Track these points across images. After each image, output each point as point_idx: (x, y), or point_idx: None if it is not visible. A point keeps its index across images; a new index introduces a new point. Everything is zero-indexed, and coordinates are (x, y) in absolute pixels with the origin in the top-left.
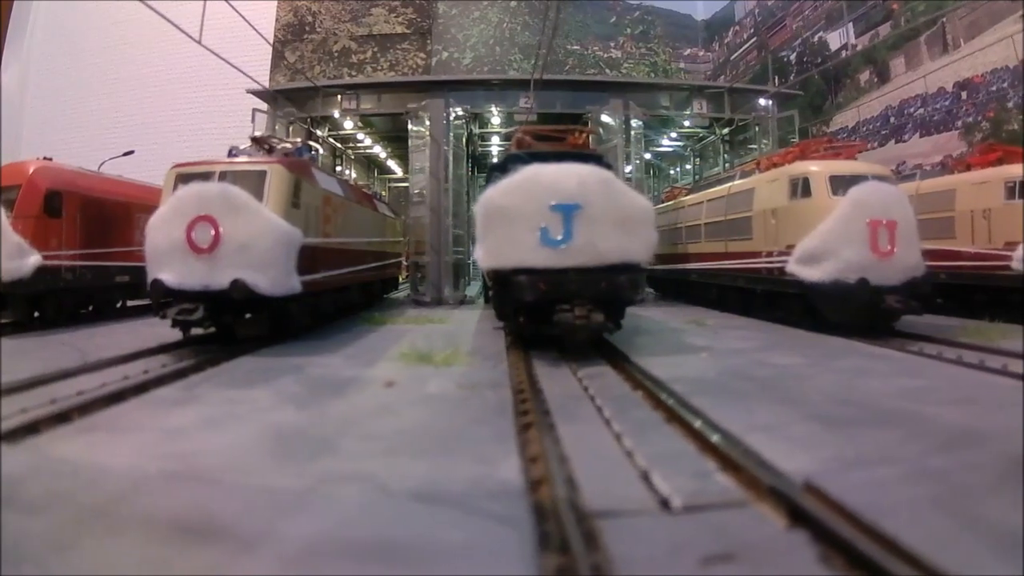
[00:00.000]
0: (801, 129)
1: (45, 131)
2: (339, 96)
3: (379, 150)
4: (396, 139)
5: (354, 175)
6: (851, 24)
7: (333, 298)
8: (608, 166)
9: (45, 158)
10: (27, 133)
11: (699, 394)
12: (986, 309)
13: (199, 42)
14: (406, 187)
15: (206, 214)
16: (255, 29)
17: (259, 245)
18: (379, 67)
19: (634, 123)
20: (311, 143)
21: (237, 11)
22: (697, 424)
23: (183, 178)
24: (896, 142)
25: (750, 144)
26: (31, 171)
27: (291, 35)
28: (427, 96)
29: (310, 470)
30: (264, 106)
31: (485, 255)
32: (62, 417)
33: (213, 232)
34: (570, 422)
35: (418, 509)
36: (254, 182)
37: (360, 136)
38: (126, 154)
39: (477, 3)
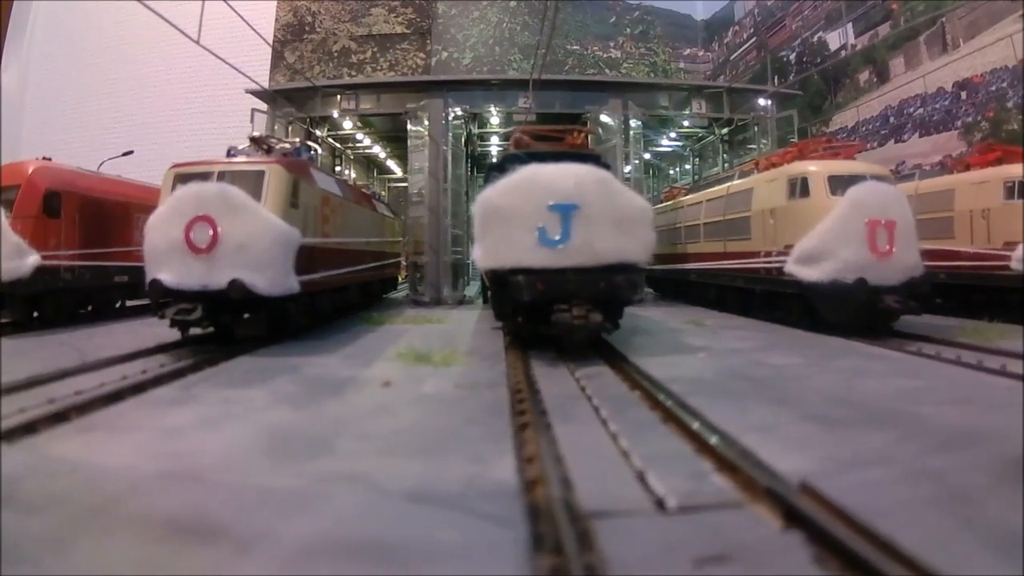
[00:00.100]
0: (800, 129)
1: (45, 131)
2: (338, 96)
3: (378, 150)
4: (395, 139)
5: (353, 175)
6: (850, 24)
7: (331, 298)
8: (606, 166)
9: (44, 158)
10: (27, 133)
11: (696, 394)
12: (985, 309)
13: (197, 42)
14: (405, 187)
15: (204, 214)
16: (254, 29)
17: (257, 245)
18: (379, 67)
19: (633, 123)
20: (310, 143)
21: (236, 11)
22: (694, 425)
23: (181, 178)
24: (895, 142)
25: (749, 144)
26: (30, 171)
27: (291, 35)
28: (426, 96)
29: (305, 470)
30: (263, 106)
31: (483, 255)
32: (60, 417)
33: (211, 232)
34: (567, 422)
35: (412, 509)
36: (252, 182)
37: (359, 136)
38: (125, 154)
39: (477, 3)
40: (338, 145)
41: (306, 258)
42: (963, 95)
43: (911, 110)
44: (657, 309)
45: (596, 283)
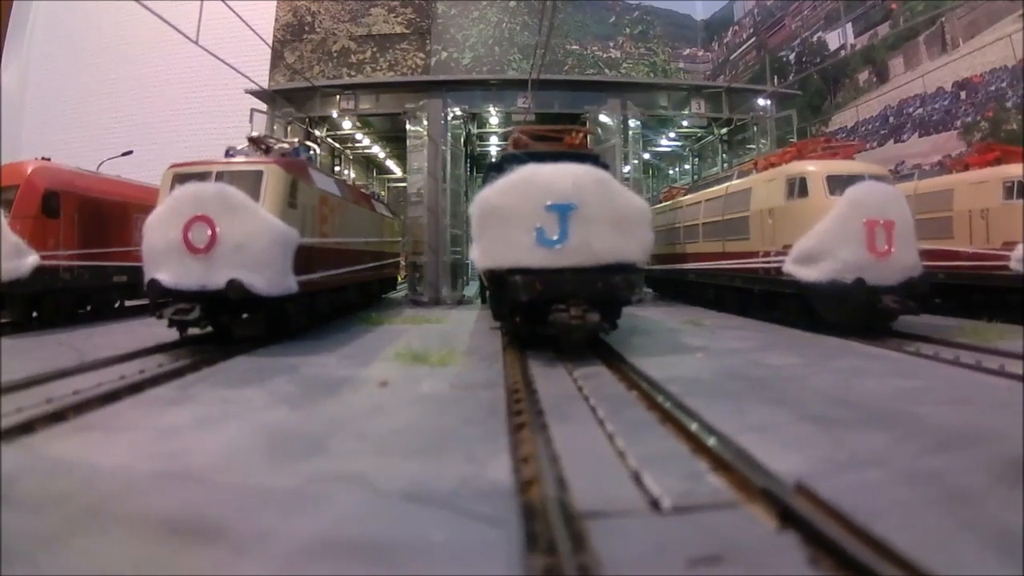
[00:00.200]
0: (799, 129)
1: (44, 131)
2: (337, 96)
3: (378, 150)
4: (395, 139)
5: (353, 175)
6: (850, 24)
7: (330, 298)
8: (604, 166)
9: (43, 158)
10: (26, 133)
11: (693, 394)
12: (984, 309)
13: (196, 43)
14: (405, 187)
15: (202, 214)
16: (253, 30)
17: (255, 245)
18: (378, 67)
19: (632, 123)
20: (309, 143)
21: (234, 11)
22: (690, 425)
23: (180, 178)
24: (895, 142)
25: (748, 144)
26: (29, 171)
27: (290, 35)
28: (425, 96)
29: (300, 470)
30: (263, 106)
31: (481, 255)
32: (57, 416)
33: (209, 232)
34: (563, 422)
35: (407, 509)
36: (250, 182)
37: (358, 136)
38: (125, 154)
39: (476, 3)
40: (337, 145)
41: (304, 258)
42: (962, 95)
43: (910, 110)
44: (656, 309)
45: (594, 283)
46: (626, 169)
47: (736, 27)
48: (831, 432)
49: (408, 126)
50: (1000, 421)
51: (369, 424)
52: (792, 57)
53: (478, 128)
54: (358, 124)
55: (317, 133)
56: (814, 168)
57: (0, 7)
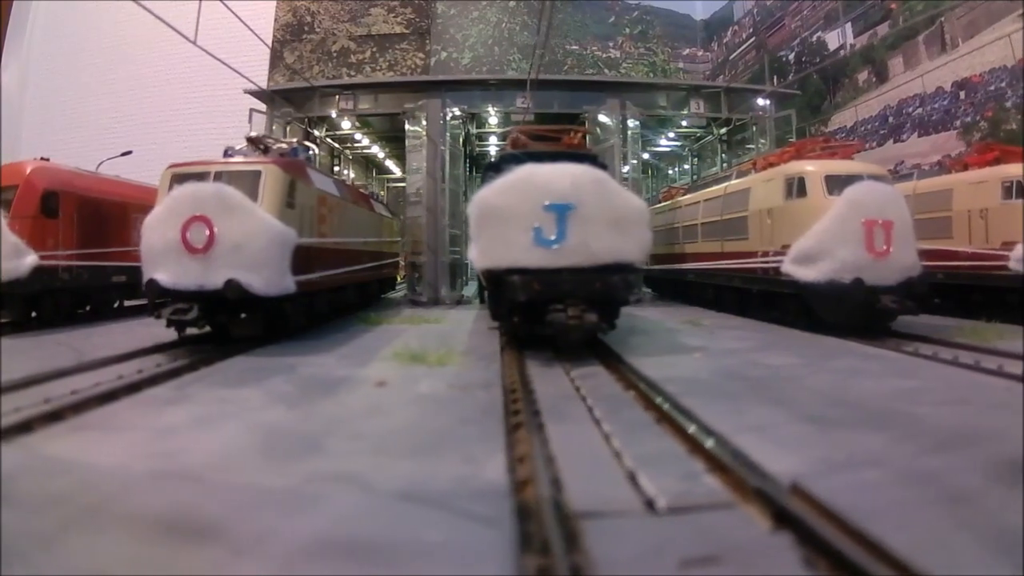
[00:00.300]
0: (799, 129)
1: (44, 131)
2: (336, 96)
3: (377, 150)
4: (394, 139)
5: (352, 175)
6: (849, 24)
7: (328, 298)
8: (603, 166)
9: (42, 158)
10: (26, 133)
11: (691, 395)
12: (983, 309)
13: (194, 43)
14: (404, 187)
15: (201, 214)
16: (251, 30)
17: (253, 245)
18: (378, 67)
19: (631, 123)
20: (308, 143)
21: (233, 12)
22: (687, 425)
23: (178, 178)
24: (894, 142)
25: (748, 144)
26: (28, 171)
27: (290, 35)
28: (424, 96)
29: (295, 469)
30: (262, 106)
31: (479, 255)
32: (55, 416)
33: (208, 232)
34: (560, 422)
35: (402, 509)
36: (249, 182)
37: (358, 136)
38: (124, 154)
39: (476, 3)
40: (336, 145)
41: (303, 258)
42: (962, 95)
43: (910, 110)
44: (655, 309)
45: (592, 283)
46: (625, 169)
47: (736, 27)
48: (828, 432)
49: (407, 126)
50: (998, 421)
51: (366, 424)
52: (791, 57)
53: (477, 128)
54: (357, 124)
55: (316, 133)
56: (813, 168)
57: (0, 7)
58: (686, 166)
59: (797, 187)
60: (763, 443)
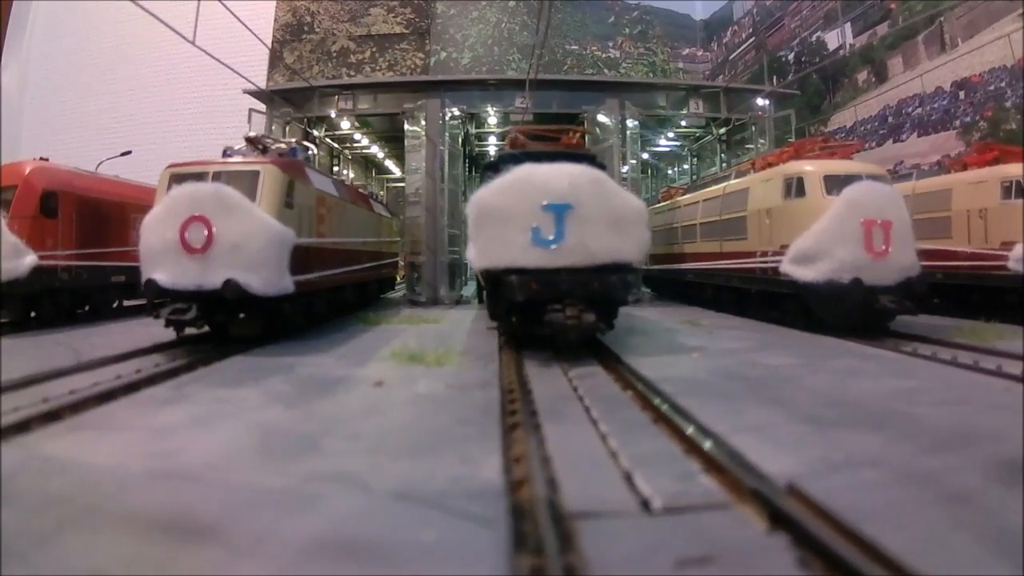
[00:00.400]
0: (798, 129)
1: (43, 131)
2: (335, 96)
3: (376, 150)
4: (394, 139)
5: (352, 175)
6: (849, 24)
7: (327, 298)
8: (601, 166)
9: (41, 158)
10: (25, 133)
11: (688, 395)
12: (982, 309)
13: (193, 43)
14: (404, 187)
15: (199, 214)
16: (250, 30)
17: (251, 245)
18: (378, 67)
19: (630, 123)
20: (306, 143)
21: (231, 12)
22: (683, 425)
23: (177, 178)
24: (894, 142)
25: (747, 144)
26: (27, 171)
27: (290, 35)
28: (423, 96)
29: (291, 469)
30: (261, 106)
31: (477, 255)
32: (52, 415)
33: (206, 232)
34: (557, 422)
35: (397, 509)
36: (247, 182)
37: (357, 136)
38: (123, 154)
39: (476, 3)
40: (336, 145)
41: (301, 258)
42: (961, 95)
43: (909, 110)
44: (654, 309)
45: (590, 283)
46: (624, 169)
47: (735, 27)
48: (826, 432)
49: (406, 126)
50: (997, 422)
51: (363, 424)
52: (791, 57)
53: (476, 128)
54: (356, 124)
55: (315, 133)
56: (811, 168)
57: (0, 7)
58: (685, 166)
59: (796, 187)
60: (760, 443)
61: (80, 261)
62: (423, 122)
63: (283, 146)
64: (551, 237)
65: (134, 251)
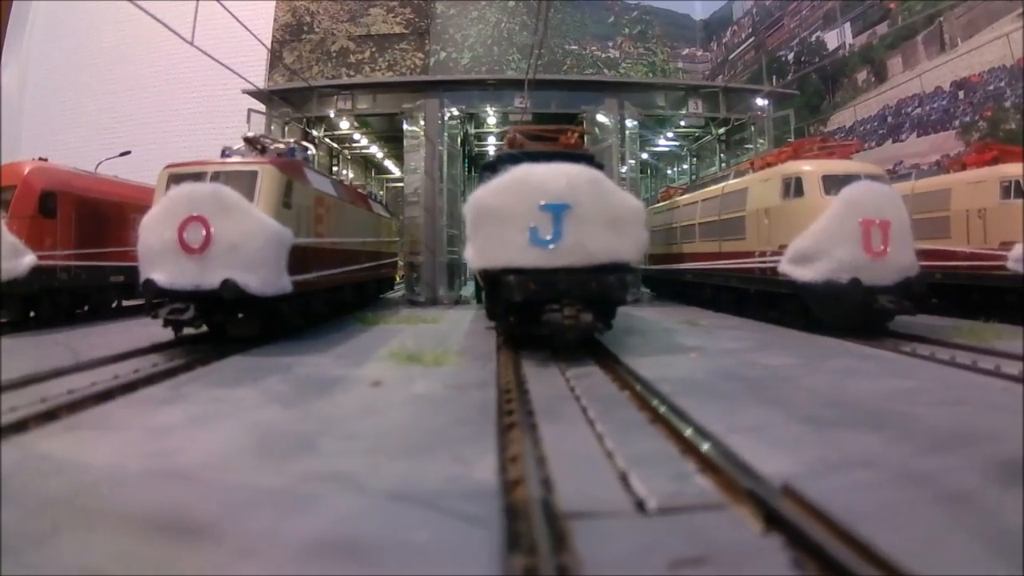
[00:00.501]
0: (797, 129)
1: (43, 131)
2: (335, 96)
3: (376, 150)
4: (393, 139)
5: (351, 175)
6: (848, 23)
7: (326, 298)
8: (599, 166)
9: (40, 158)
10: (25, 133)
11: (686, 395)
12: (981, 309)
13: (191, 43)
14: (403, 187)
15: (197, 214)
16: (249, 31)
17: (249, 245)
18: (377, 67)
19: (629, 123)
20: (305, 143)
21: (230, 12)
22: (679, 425)
23: (175, 178)
24: (893, 142)
25: (746, 144)
26: (26, 171)
27: (289, 35)
28: (422, 96)
29: (287, 469)
30: (260, 107)
31: (475, 255)
32: (50, 415)
33: (204, 232)
34: (554, 422)
35: (391, 509)
36: (245, 182)
37: (356, 136)
38: (123, 154)
39: (475, 3)
40: (335, 145)
41: (299, 258)
42: (961, 94)
43: (909, 110)
44: (652, 309)
45: (588, 283)
46: (623, 169)
47: (735, 27)
48: (823, 433)
49: (405, 126)
50: (995, 422)
51: (360, 424)
52: (791, 57)
53: (475, 128)
54: (356, 124)
55: (315, 133)
56: (810, 168)
57: (0, 7)
58: (685, 166)
59: (794, 187)
60: (756, 443)
61: (79, 261)
62: (422, 122)
63: (281, 146)
64: (549, 237)
65: (133, 251)
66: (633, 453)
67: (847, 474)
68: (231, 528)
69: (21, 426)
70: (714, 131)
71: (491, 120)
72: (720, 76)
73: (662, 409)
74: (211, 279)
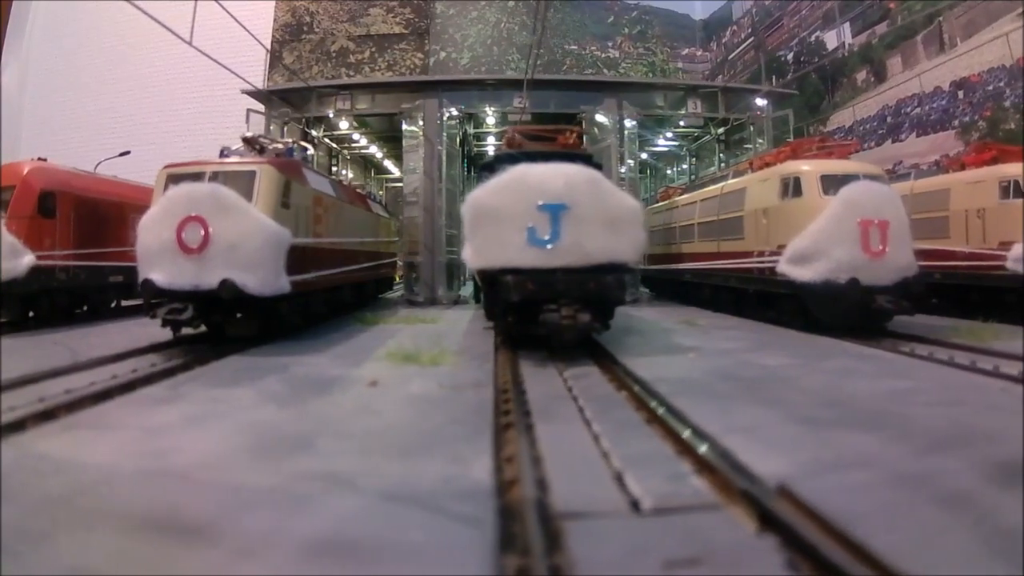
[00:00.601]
0: (797, 128)
1: (43, 131)
2: (334, 96)
3: (375, 150)
4: (392, 139)
5: (351, 175)
6: (848, 23)
7: (324, 298)
8: (597, 166)
9: (39, 159)
10: (25, 133)
11: (683, 395)
12: (980, 309)
13: (190, 43)
14: (403, 187)
15: (196, 214)
16: (248, 31)
17: (248, 245)
18: (377, 67)
19: (628, 123)
20: (304, 143)
21: (228, 12)
22: (676, 426)
23: (174, 178)
24: (893, 141)
25: (745, 144)
26: (25, 172)
27: (289, 35)
28: (421, 96)
29: (282, 468)
30: (260, 107)
31: (473, 255)
32: (48, 415)
33: (203, 232)
34: (550, 422)
35: (385, 509)
36: (244, 182)
37: (356, 136)
38: (122, 154)
39: (475, 3)
40: (335, 145)
41: (298, 258)
42: (960, 94)
43: (908, 109)
44: (651, 309)
45: (586, 283)
46: (622, 169)
47: (734, 27)
48: (819, 433)
49: (404, 126)
50: (993, 422)
51: (355, 424)
52: (790, 57)
53: (475, 128)
54: (355, 124)
55: (314, 133)
56: (808, 168)
57: (0, 7)
58: (684, 166)
59: (793, 187)
60: (752, 444)
61: (78, 261)
62: (421, 122)
63: (280, 146)
64: (547, 237)
65: (132, 251)
66: (629, 453)
67: (843, 475)
68: (225, 528)
69: (19, 426)
70: (713, 131)
71: (490, 120)
72: (720, 76)
73: (659, 410)
74: (209, 279)
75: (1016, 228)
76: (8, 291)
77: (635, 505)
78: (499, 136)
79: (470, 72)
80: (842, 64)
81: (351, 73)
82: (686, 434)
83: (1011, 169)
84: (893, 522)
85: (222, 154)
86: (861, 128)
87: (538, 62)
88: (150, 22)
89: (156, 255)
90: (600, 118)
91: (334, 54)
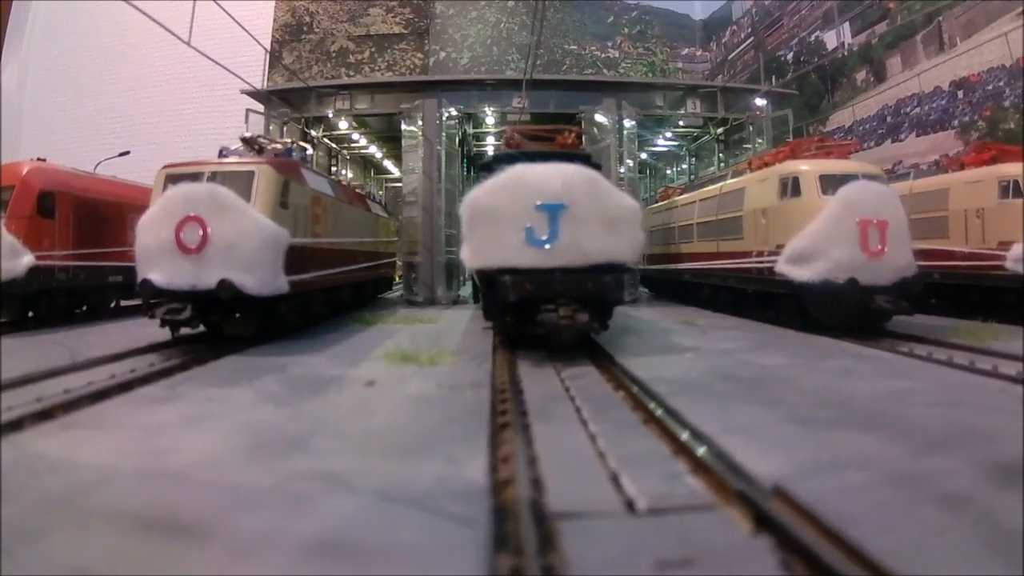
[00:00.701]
0: (796, 128)
1: (42, 131)
2: (333, 96)
3: (375, 150)
4: (392, 139)
5: (350, 175)
6: (847, 23)
7: (323, 298)
8: (596, 166)
9: (39, 159)
10: (25, 133)
11: (681, 395)
12: (979, 309)
13: (188, 43)
14: (402, 187)
15: (194, 214)
16: (247, 31)
17: (246, 245)
18: (376, 67)
19: (627, 123)
20: (303, 143)
21: (227, 12)
22: (673, 426)
23: (172, 179)
24: (892, 141)
25: (745, 144)
26: (24, 172)
27: (289, 35)
28: (420, 96)
29: (278, 468)
30: (259, 107)
31: (471, 255)
32: (45, 414)
33: (201, 232)
34: (547, 422)
35: (380, 508)
36: (242, 183)
37: (355, 136)
38: (122, 155)
39: (475, 3)
40: (334, 145)
41: (296, 258)
42: (960, 94)
43: (908, 109)
44: (650, 309)
45: (584, 283)
46: (622, 169)
47: (734, 27)
48: (816, 433)
49: (403, 126)
50: (992, 423)
51: (352, 424)
52: (790, 57)
53: (474, 128)
54: (354, 124)
55: (313, 133)
56: (807, 167)
57: (0, 7)
58: (683, 166)
59: (791, 187)
60: (749, 444)
61: (77, 261)
62: (420, 122)
63: (279, 146)
64: (545, 237)
65: (131, 251)
66: (625, 453)
67: (841, 475)
68: (221, 527)
69: (17, 425)
70: (713, 131)
71: (489, 120)
72: (719, 76)
73: (657, 410)
74: (208, 279)
75: (1015, 228)
76: (7, 291)
77: (630, 505)
78: (498, 136)
79: (470, 72)
80: (842, 64)
81: (351, 73)
82: (683, 435)
83: (1010, 169)
84: (891, 522)
85: (221, 154)
86: (861, 128)
87: (537, 62)
88: (149, 23)
89: (155, 255)
90: (599, 118)
91: (334, 54)
